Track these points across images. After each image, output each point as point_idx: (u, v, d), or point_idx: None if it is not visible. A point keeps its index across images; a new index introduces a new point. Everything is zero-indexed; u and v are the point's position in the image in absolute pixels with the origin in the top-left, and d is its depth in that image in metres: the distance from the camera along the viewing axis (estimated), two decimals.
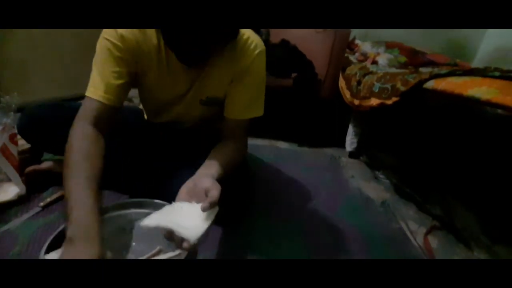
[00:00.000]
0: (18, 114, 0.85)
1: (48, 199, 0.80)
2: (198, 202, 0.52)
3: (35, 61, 1.55)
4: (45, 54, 1.59)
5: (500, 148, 0.69)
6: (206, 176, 0.56)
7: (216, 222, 0.79)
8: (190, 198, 0.54)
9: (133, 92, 0.78)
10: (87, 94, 0.63)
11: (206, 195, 0.52)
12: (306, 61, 1.56)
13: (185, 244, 0.46)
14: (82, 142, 0.57)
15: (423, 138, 0.98)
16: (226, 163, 0.65)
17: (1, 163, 0.78)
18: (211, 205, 0.49)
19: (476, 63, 1.84)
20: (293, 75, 1.51)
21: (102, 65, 0.63)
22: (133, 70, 0.67)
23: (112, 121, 0.65)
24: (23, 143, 0.91)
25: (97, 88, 0.62)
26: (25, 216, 0.75)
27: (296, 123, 1.63)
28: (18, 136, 0.86)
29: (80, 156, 0.55)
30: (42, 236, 0.68)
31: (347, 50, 1.66)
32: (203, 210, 0.49)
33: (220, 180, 0.59)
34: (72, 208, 0.48)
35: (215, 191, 0.51)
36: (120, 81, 0.64)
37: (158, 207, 0.78)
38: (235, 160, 0.71)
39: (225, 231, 0.77)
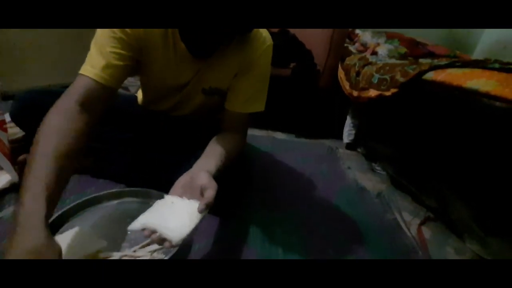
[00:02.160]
0: (9, 102, 0.83)
1: None
2: (190, 198, 0.51)
3: (27, 47, 1.51)
4: (38, 40, 1.54)
5: (497, 140, 0.69)
6: (204, 172, 0.54)
7: (212, 212, 0.80)
8: (184, 192, 0.53)
9: (129, 81, 0.77)
10: (81, 72, 0.58)
11: (202, 194, 0.51)
12: (305, 51, 1.53)
13: (166, 244, 0.45)
14: (59, 118, 0.51)
15: (420, 130, 0.98)
16: (224, 157, 0.65)
17: None
18: (207, 207, 0.48)
19: (476, 55, 1.82)
20: (292, 64, 1.49)
21: (102, 45, 0.59)
22: (136, 56, 0.65)
23: (105, 103, 0.60)
24: (16, 132, 0.90)
25: (94, 67, 0.58)
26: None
27: (294, 114, 1.62)
28: (12, 125, 0.84)
29: (51, 131, 0.49)
30: None
31: (347, 40, 1.63)
32: (200, 211, 0.47)
33: (218, 175, 0.58)
34: (24, 191, 0.43)
35: (211, 191, 0.49)
36: (120, 63, 0.60)
37: (153, 197, 0.78)
38: (233, 152, 0.71)
39: (221, 220, 0.78)
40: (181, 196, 0.52)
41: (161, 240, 0.45)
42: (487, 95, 0.64)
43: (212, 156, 0.63)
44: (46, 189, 0.44)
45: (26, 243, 0.39)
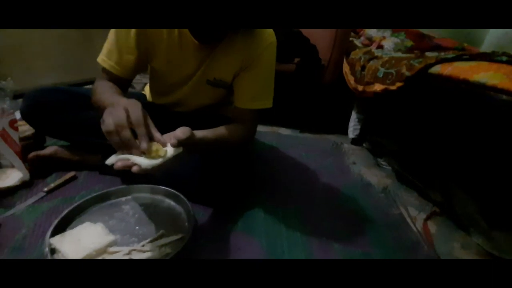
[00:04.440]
0: (18, 100, 0.84)
1: (52, 185, 0.81)
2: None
3: (35, 46, 1.53)
4: (45, 41, 1.56)
5: (504, 134, 0.68)
6: (185, 127, 0.58)
7: (217, 206, 0.81)
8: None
9: (135, 78, 0.79)
10: (98, 60, 0.70)
11: None
12: (309, 46, 1.52)
13: (135, 168, 0.47)
14: (105, 82, 0.68)
15: (426, 125, 0.97)
16: (220, 134, 0.69)
17: (2, 148, 0.79)
18: (178, 142, 0.51)
19: (485, 47, 1.79)
20: (296, 60, 1.48)
21: (117, 37, 0.67)
22: (145, 46, 0.70)
23: (122, 89, 0.70)
24: (25, 129, 0.92)
25: (109, 58, 0.69)
26: (30, 200, 0.76)
27: (298, 109, 1.61)
28: (21, 122, 0.86)
29: (106, 83, 0.67)
30: (47, 220, 0.69)
31: (352, 34, 1.61)
32: (172, 145, 0.51)
33: (206, 144, 0.64)
34: (107, 101, 0.58)
35: (179, 132, 0.54)
36: (130, 56, 0.69)
37: (160, 193, 0.79)
38: (233, 139, 0.73)
39: (226, 215, 0.79)
40: None
41: (133, 165, 0.48)
42: (494, 88, 0.63)
43: (207, 129, 0.67)
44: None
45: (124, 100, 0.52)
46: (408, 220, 0.89)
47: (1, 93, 0.83)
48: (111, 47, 0.68)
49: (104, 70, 0.70)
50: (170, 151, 0.51)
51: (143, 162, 0.47)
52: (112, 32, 0.67)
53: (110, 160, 0.50)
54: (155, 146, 0.49)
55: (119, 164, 0.48)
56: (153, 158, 0.48)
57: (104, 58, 0.69)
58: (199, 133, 0.62)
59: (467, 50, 1.38)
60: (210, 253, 0.66)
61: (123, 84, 0.71)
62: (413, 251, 0.75)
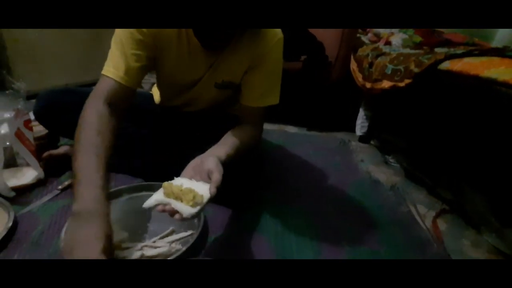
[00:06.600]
0: (32, 101, 0.87)
1: (66, 183, 0.83)
2: (199, 180, 0.55)
3: (47, 48, 1.56)
4: (57, 40, 1.59)
5: None
6: (212, 157, 0.58)
7: (227, 204, 0.82)
8: (194, 174, 0.57)
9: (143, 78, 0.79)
10: (104, 73, 0.62)
11: (209, 177, 0.54)
12: (316, 43, 1.51)
13: (177, 216, 0.48)
14: (94, 119, 0.57)
15: (435, 121, 0.96)
16: (237, 146, 0.68)
17: (18, 147, 0.81)
18: (217, 189, 0.51)
19: (496, 42, 1.74)
20: (303, 57, 1.48)
21: (122, 46, 0.63)
22: (152, 55, 0.68)
23: (127, 102, 0.66)
24: (40, 130, 0.94)
25: (116, 69, 0.62)
26: (45, 198, 0.78)
27: (305, 107, 1.61)
28: (36, 123, 0.89)
29: (92, 132, 0.55)
30: (62, 217, 0.72)
31: (359, 30, 1.60)
32: (212, 194, 0.51)
33: (229, 161, 0.61)
34: (80, 183, 0.49)
35: (217, 175, 0.53)
36: (139, 64, 0.64)
37: None
38: (248, 144, 0.73)
39: (235, 213, 0.79)
40: (191, 177, 0.56)
41: (174, 212, 0.49)
42: (505, 84, 0.63)
43: (224, 144, 0.67)
44: (102, 183, 0.50)
45: (93, 229, 0.45)
46: (417, 218, 0.88)
47: (15, 94, 0.85)
48: (118, 58, 0.63)
49: (106, 84, 0.62)
50: (206, 195, 0.51)
51: (185, 211, 0.48)
52: (117, 42, 0.63)
53: (149, 204, 0.51)
54: (192, 193, 0.49)
55: (160, 208, 0.49)
56: (192, 206, 0.49)
57: (110, 69, 0.62)
58: (222, 155, 0.61)
59: (478, 45, 1.35)
60: (218, 250, 0.67)
61: (127, 95, 0.65)
62: (422, 249, 0.75)
